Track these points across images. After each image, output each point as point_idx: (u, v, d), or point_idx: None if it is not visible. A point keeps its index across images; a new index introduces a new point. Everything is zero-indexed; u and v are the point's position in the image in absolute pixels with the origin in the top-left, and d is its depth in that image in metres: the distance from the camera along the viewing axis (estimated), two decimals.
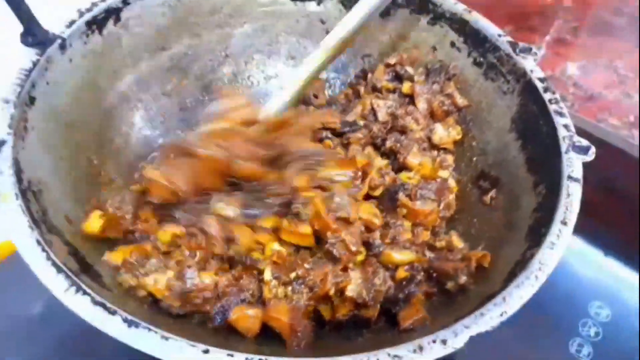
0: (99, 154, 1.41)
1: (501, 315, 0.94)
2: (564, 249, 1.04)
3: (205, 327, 1.12)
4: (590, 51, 2.12)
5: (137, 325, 0.87)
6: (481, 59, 1.54)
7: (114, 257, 1.17)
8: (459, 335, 0.91)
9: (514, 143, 1.41)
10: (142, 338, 0.86)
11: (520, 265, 1.07)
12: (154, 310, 1.11)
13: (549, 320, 1.46)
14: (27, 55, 1.25)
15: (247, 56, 1.77)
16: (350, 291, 1.09)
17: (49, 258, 0.94)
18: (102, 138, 1.45)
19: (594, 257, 1.56)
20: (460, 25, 1.57)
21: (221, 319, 1.12)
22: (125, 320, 0.88)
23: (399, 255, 1.17)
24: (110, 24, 1.47)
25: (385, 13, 1.64)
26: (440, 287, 1.20)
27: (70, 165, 1.29)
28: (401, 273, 1.16)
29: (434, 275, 1.19)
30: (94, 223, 1.20)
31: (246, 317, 1.08)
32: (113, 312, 0.88)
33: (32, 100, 1.21)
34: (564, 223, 1.08)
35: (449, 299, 1.17)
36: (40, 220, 1.05)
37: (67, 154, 1.30)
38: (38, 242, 0.96)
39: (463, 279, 1.15)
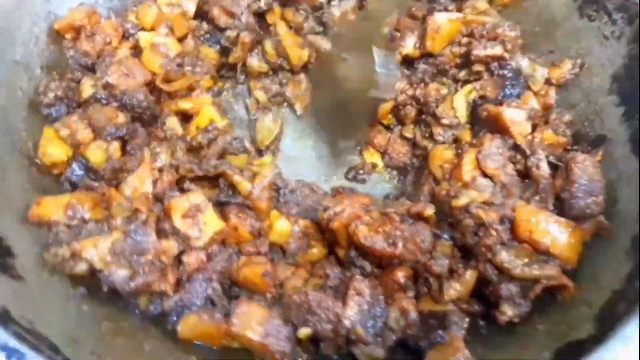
0: (48, 78, 1.06)
1: None
2: None
3: (151, 330, 0.82)
4: None
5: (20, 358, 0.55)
6: None
7: (46, 210, 0.86)
8: None
9: (613, 110, 1.02)
10: None
11: (624, 300, 0.71)
12: (84, 308, 0.79)
13: None
14: None
15: None
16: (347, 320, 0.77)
17: None
18: (53, 59, 1.09)
19: None
20: None
21: (177, 319, 0.83)
22: (4, 348, 0.56)
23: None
24: None
25: None
26: (485, 312, 0.85)
27: (1, 90, 0.96)
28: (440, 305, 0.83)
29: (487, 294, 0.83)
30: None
31: (202, 335, 0.81)
32: None
33: None
34: None
35: (504, 332, 0.82)
36: None
37: None
38: None
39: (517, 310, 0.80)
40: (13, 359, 0.55)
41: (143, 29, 1.14)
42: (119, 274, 0.80)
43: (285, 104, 1.29)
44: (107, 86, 1.03)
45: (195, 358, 0.79)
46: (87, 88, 1.03)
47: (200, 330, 0.79)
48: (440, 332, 0.79)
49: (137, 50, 1.11)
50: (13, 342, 0.56)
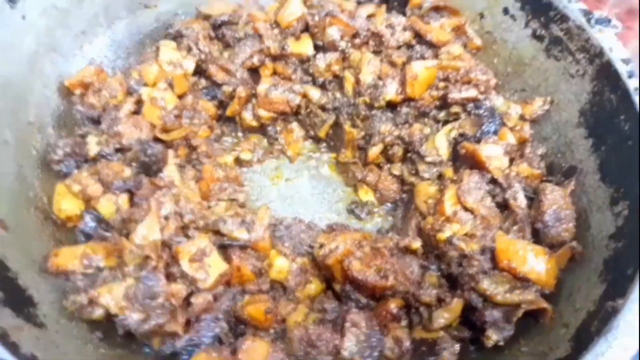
0: (58, 136, 1.14)
1: None
2: None
3: None
4: None
5: None
6: (543, 31, 1.21)
7: (63, 260, 0.93)
8: None
9: (582, 142, 1.10)
10: None
11: (597, 321, 0.78)
12: (102, 352, 0.85)
13: None
14: None
15: None
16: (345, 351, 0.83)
17: None
18: (63, 117, 1.17)
19: None
20: None
21: (188, 357, 0.89)
22: None
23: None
24: None
25: None
26: (475, 337, 0.92)
27: (15, 151, 1.03)
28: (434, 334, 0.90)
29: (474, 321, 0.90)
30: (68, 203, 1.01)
31: None
32: None
33: None
34: None
35: (491, 353, 0.89)
36: None
37: (13, 137, 1.03)
38: None
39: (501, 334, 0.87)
40: None
41: (146, 85, 1.23)
42: (133, 317, 0.86)
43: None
44: (115, 135, 1.11)
45: None
46: (93, 146, 1.11)
47: None
48: (431, 357, 0.85)
49: (140, 105, 1.20)
50: None
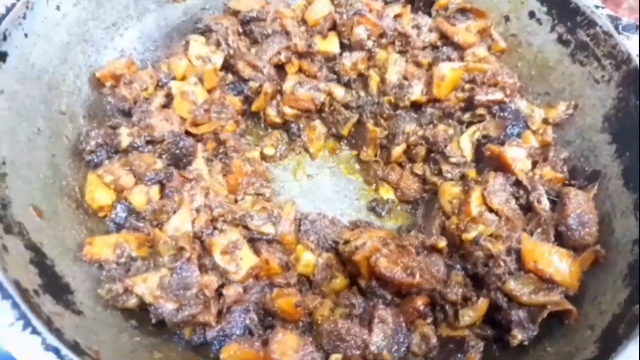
0: (90, 126, 1.15)
1: None
2: None
3: (197, 357, 0.90)
4: None
5: None
6: (569, 36, 1.22)
7: (97, 249, 0.95)
8: None
9: (606, 147, 1.11)
10: None
11: (624, 324, 0.79)
12: (136, 339, 0.87)
13: None
14: None
15: None
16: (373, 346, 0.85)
17: None
18: (94, 107, 1.19)
19: None
20: None
21: (219, 346, 0.90)
22: None
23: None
24: None
25: None
26: (498, 336, 0.94)
27: (49, 140, 1.04)
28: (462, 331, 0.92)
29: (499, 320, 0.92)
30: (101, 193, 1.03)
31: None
32: None
33: (2, 56, 0.96)
34: None
35: (515, 353, 0.90)
36: None
37: (46, 126, 1.05)
38: None
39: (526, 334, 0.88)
40: None
41: (174, 78, 1.24)
42: (167, 307, 0.88)
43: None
44: (147, 128, 1.13)
45: None
46: (125, 138, 1.12)
47: (241, 357, 0.87)
48: (459, 355, 0.87)
49: (169, 98, 1.22)
50: None
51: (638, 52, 1.09)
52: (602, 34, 1.15)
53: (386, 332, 0.89)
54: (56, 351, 0.65)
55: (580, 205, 1.00)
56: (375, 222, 1.26)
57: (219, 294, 0.93)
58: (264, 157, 1.34)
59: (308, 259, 1.04)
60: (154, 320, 0.90)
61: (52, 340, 0.66)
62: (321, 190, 1.35)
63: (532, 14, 1.29)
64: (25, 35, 1.03)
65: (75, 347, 0.69)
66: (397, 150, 1.25)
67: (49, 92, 1.09)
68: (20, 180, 0.93)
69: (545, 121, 1.20)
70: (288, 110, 1.31)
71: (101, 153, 1.12)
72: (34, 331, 0.66)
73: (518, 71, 1.30)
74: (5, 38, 0.97)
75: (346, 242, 1.06)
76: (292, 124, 1.36)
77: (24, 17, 1.02)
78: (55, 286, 0.83)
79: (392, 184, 1.31)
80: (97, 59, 1.22)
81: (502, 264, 0.94)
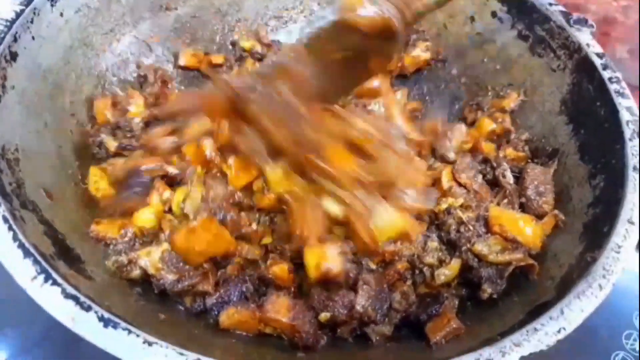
0: (91, 121, 1.25)
1: (558, 331, 0.78)
2: (632, 253, 0.87)
3: (197, 322, 0.98)
4: None
5: (115, 326, 0.72)
6: (527, 32, 1.35)
7: (102, 229, 1.04)
8: (507, 355, 0.74)
9: (563, 127, 1.23)
10: (119, 341, 0.70)
11: (578, 270, 0.90)
12: (142, 303, 0.95)
13: (591, 332, 1.29)
14: (10, 5, 1.08)
15: (261, 22, 1.59)
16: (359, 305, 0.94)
17: (16, 238, 0.79)
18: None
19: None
20: None
21: (217, 312, 0.99)
22: (101, 318, 0.72)
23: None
24: None
25: None
26: (472, 292, 1.04)
27: (55, 132, 1.13)
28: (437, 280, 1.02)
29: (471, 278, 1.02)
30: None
31: (240, 323, 0.96)
32: (87, 308, 0.73)
33: (13, 55, 1.05)
34: (632, 222, 0.91)
35: (486, 307, 1.00)
36: (12, 194, 0.90)
37: (52, 120, 1.14)
38: (5, 219, 0.80)
39: (495, 288, 0.99)
40: (109, 326, 0.71)
41: None
42: (168, 278, 0.97)
43: None
44: None
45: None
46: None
47: (239, 318, 0.95)
48: (436, 306, 0.97)
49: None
50: (108, 315, 0.73)
51: (587, 42, 1.22)
52: (556, 28, 1.28)
53: (370, 292, 0.98)
54: (75, 299, 0.73)
55: (537, 177, 1.13)
56: None
57: (217, 267, 1.02)
58: None
59: None
60: (156, 290, 0.98)
61: (71, 290, 0.74)
62: None
63: (494, 14, 1.42)
64: (33, 38, 1.12)
65: (91, 300, 0.76)
66: None
67: (54, 90, 1.18)
68: (31, 167, 1.01)
69: (503, 110, 1.33)
70: None
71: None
72: (55, 283, 0.74)
73: (484, 66, 1.44)
74: (16, 40, 1.06)
75: None
76: None
77: (32, 22, 1.11)
78: (68, 255, 0.91)
79: None
80: (97, 61, 1.32)
81: (471, 228, 1.04)
